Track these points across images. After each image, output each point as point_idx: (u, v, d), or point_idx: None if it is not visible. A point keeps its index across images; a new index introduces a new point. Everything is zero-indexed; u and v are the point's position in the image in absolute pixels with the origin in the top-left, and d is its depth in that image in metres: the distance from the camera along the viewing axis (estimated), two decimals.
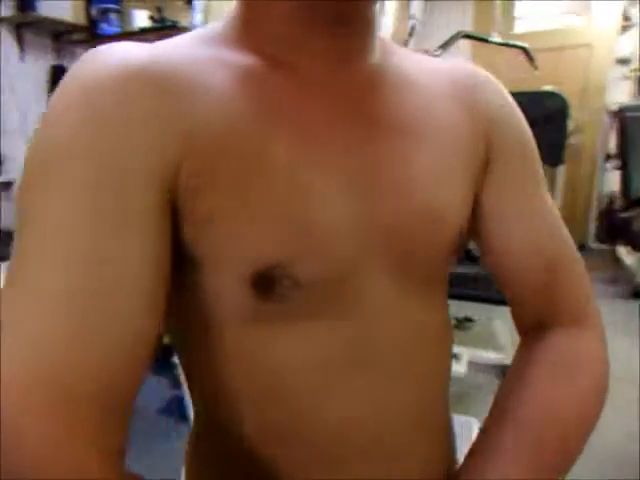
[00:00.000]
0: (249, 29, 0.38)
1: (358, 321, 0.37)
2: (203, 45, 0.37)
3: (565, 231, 0.46)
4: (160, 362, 2.38)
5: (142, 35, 2.11)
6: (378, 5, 0.38)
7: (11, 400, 0.26)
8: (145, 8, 2.13)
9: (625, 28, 4.68)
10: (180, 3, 2.18)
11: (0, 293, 0.29)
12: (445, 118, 0.41)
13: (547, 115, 1.88)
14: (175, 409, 2.08)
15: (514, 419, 0.40)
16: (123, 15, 2.20)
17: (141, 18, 2.09)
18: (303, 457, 0.38)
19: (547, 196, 0.46)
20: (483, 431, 0.42)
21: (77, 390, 0.27)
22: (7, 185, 2.40)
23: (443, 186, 0.39)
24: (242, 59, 0.36)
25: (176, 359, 0.45)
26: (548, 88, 2.19)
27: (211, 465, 0.42)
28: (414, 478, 0.40)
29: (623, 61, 4.79)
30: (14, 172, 2.37)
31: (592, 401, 0.41)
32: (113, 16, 2.15)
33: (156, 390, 2.22)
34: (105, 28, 2.15)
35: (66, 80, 0.33)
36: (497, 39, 2.38)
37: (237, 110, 0.34)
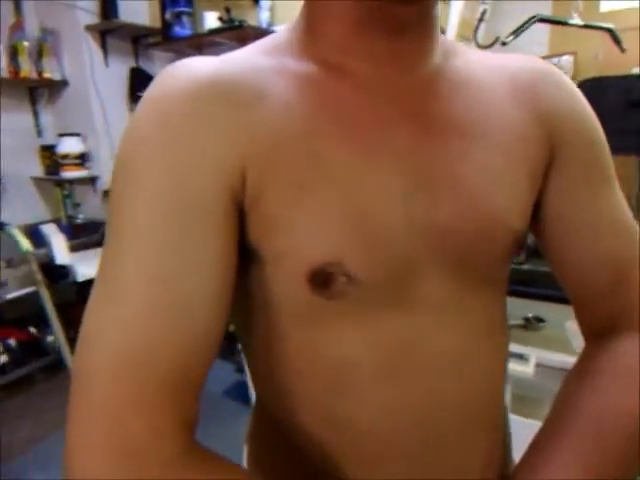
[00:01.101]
0: (311, 37, 0.39)
1: (413, 317, 0.37)
2: (266, 55, 0.38)
3: (635, 231, 0.43)
4: (226, 348, 2.50)
5: (211, 36, 2.21)
6: (439, 7, 0.38)
7: (105, 384, 0.29)
8: (215, 9, 2.21)
9: None
10: (248, 3, 2.25)
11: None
12: (504, 119, 0.40)
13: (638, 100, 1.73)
14: (239, 393, 2.18)
15: (575, 422, 0.39)
16: (194, 17, 2.30)
17: (211, 19, 2.18)
18: (357, 444, 0.39)
19: (617, 195, 0.44)
20: (541, 431, 0.41)
21: (160, 373, 0.30)
22: (93, 180, 2.62)
23: (500, 188, 0.39)
24: (304, 67, 0.37)
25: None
26: (637, 70, 2.01)
27: (269, 446, 0.45)
28: (467, 474, 0.40)
29: None
30: (98, 169, 2.59)
31: None
32: (185, 19, 2.26)
33: (222, 374, 2.34)
34: (178, 31, 2.26)
35: (146, 96, 0.36)
36: (577, 21, 2.22)
37: (297, 116, 0.35)
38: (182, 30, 2.25)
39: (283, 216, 0.34)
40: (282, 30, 0.43)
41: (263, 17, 2.18)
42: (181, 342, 0.31)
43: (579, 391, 0.42)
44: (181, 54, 2.51)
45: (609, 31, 2.29)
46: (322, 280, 0.34)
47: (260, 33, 2.22)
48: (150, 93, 0.35)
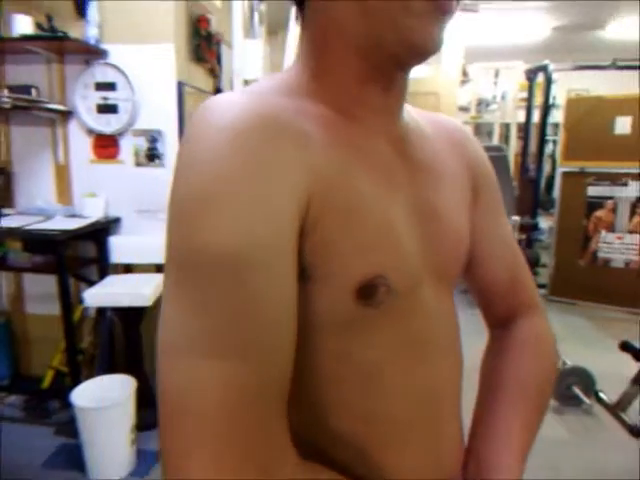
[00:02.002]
0: (320, 85, 0.44)
1: (419, 318, 0.46)
2: (288, 97, 0.42)
3: (517, 244, 0.63)
4: (36, 409, 2.08)
5: (23, 42, 1.91)
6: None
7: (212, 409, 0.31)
8: (29, 14, 1.92)
9: (463, 82, 5.63)
10: (70, 13, 2.03)
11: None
12: (449, 163, 0.53)
13: None
14: (67, 459, 1.84)
15: (503, 390, 0.54)
16: None
17: (24, 24, 1.88)
18: (386, 432, 0.45)
19: (507, 221, 0.62)
20: (478, 406, 0.56)
21: (264, 390, 0.33)
22: None
23: (459, 214, 0.52)
24: (321, 110, 0.42)
25: None
26: None
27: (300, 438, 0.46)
28: (456, 440, 0.51)
29: (463, 109, 5.75)
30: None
31: (552, 364, 0.59)
32: None
33: (37, 442, 1.94)
34: None
35: (203, 124, 0.36)
36: None
37: (334, 154, 0.40)
38: None
39: (336, 240, 0.38)
40: (286, 73, 0.47)
41: (91, 33, 1.99)
42: (274, 366, 0.34)
43: (497, 367, 0.57)
44: None
45: None
46: (369, 292, 0.40)
47: (85, 48, 2.03)
48: (212, 119, 0.36)
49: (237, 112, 0.36)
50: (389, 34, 0.40)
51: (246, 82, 2.69)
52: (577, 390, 2.31)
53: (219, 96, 0.39)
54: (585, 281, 3.84)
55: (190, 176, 0.34)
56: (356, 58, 0.43)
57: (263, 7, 3.18)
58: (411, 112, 0.53)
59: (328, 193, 0.38)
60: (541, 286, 4.12)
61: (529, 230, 4.02)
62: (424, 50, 0.41)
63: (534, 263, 4.03)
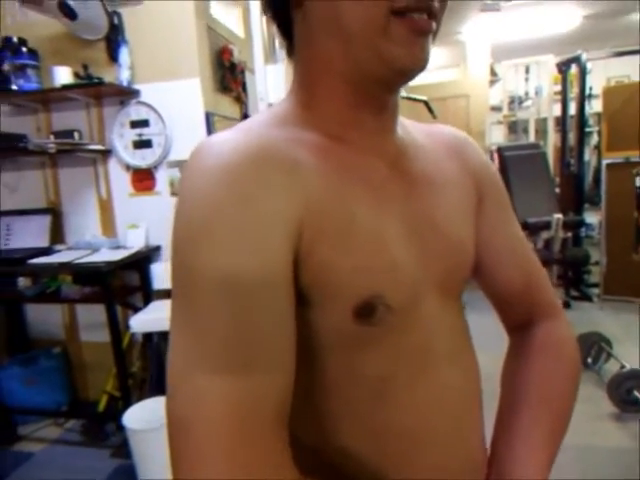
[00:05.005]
0: (311, 113, 0.46)
1: (420, 331, 0.46)
2: (277, 127, 0.44)
3: (530, 249, 0.61)
4: (96, 432, 2.18)
5: (64, 91, 2.07)
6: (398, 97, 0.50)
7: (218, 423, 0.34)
8: (66, 64, 2.08)
9: (493, 82, 5.52)
10: (104, 60, 2.18)
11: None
12: (450, 172, 0.54)
13: None
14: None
15: (524, 396, 0.53)
16: (41, 71, 2.13)
17: (64, 74, 2.05)
18: (394, 444, 0.45)
19: (518, 225, 0.61)
20: (499, 413, 0.55)
21: (266, 406, 0.36)
22: None
23: (462, 225, 0.52)
24: (314, 137, 0.44)
25: None
26: None
27: (312, 454, 0.47)
28: (473, 450, 0.51)
29: (495, 108, 5.63)
30: None
31: (574, 368, 0.57)
32: (31, 72, 2.07)
33: (95, 463, 2.04)
34: (22, 84, 2.06)
35: (194, 167, 0.38)
36: (403, 93, 2.72)
37: (327, 179, 0.42)
38: (27, 84, 2.06)
39: (332, 262, 0.40)
40: (279, 106, 0.49)
41: (123, 76, 2.14)
42: (274, 385, 0.36)
43: (517, 373, 0.56)
44: (24, 108, 2.27)
45: (425, 102, 2.84)
46: (367, 311, 0.41)
47: (120, 91, 2.17)
48: (201, 161, 0.38)
49: (226, 150, 0.38)
50: (373, 61, 0.42)
51: (270, 105, 2.78)
52: (639, 395, 2.17)
53: (210, 137, 0.41)
54: None
55: (185, 214, 0.37)
56: (345, 86, 0.45)
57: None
58: (407, 126, 0.54)
59: (322, 218, 0.40)
60: (594, 285, 3.91)
61: (575, 227, 3.84)
62: (410, 71, 0.43)
63: (584, 261, 3.84)
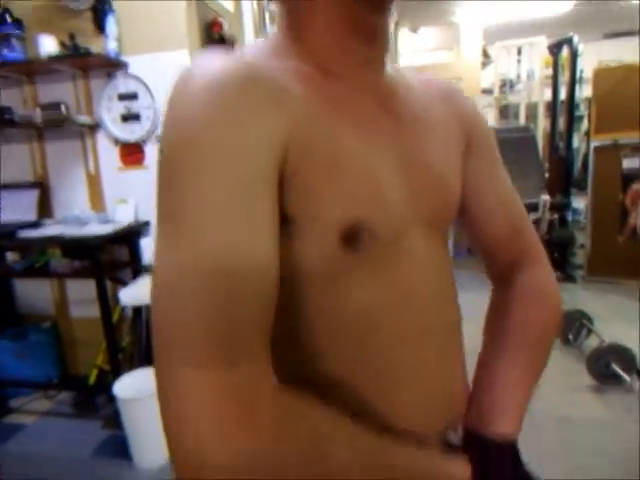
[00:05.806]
0: (302, 46, 0.46)
1: (405, 264, 0.47)
2: (273, 57, 0.45)
3: (518, 197, 0.63)
4: (88, 404, 2.20)
5: (51, 62, 2.03)
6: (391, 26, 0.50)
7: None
8: (53, 34, 2.05)
9: (485, 64, 5.51)
10: (91, 31, 2.14)
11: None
12: (440, 115, 0.55)
13: None
14: (114, 449, 1.95)
15: (505, 339, 0.56)
16: (26, 41, 2.09)
17: (49, 44, 2.01)
18: (379, 375, 0.46)
19: (505, 174, 0.62)
20: (482, 354, 0.57)
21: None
22: None
23: (449, 163, 0.53)
24: (305, 69, 0.45)
25: None
26: None
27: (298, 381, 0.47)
28: (455, 386, 0.53)
29: (487, 91, 5.62)
30: None
31: (553, 313, 0.59)
32: (15, 42, 2.03)
33: (85, 435, 2.07)
34: (6, 54, 2.02)
35: (180, 86, 0.38)
36: None
37: (315, 107, 0.42)
38: (12, 54, 2.02)
39: (317, 186, 0.40)
40: (271, 38, 0.49)
41: (110, 47, 2.10)
42: (263, 294, 0.37)
43: (498, 318, 0.58)
44: (8, 80, 2.23)
45: None
46: (352, 235, 0.41)
47: (108, 63, 2.14)
48: (187, 82, 0.38)
49: (216, 73, 0.38)
50: None
51: None
52: (617, 368, 2.24)
53: (199, 61, 0.40)
54: (625, 258, 3.68)
55: (173, 134, 0.38)
56: (335, 10, 0.45)
57: (273, 7, 3.22)
58: (401, 70, 0.55)
59: (307, 142, 0.40)
60: (579, 267, 3.98)
61: (561, 209, 3.89)
62: None
63: (569, 242, 3.90)
